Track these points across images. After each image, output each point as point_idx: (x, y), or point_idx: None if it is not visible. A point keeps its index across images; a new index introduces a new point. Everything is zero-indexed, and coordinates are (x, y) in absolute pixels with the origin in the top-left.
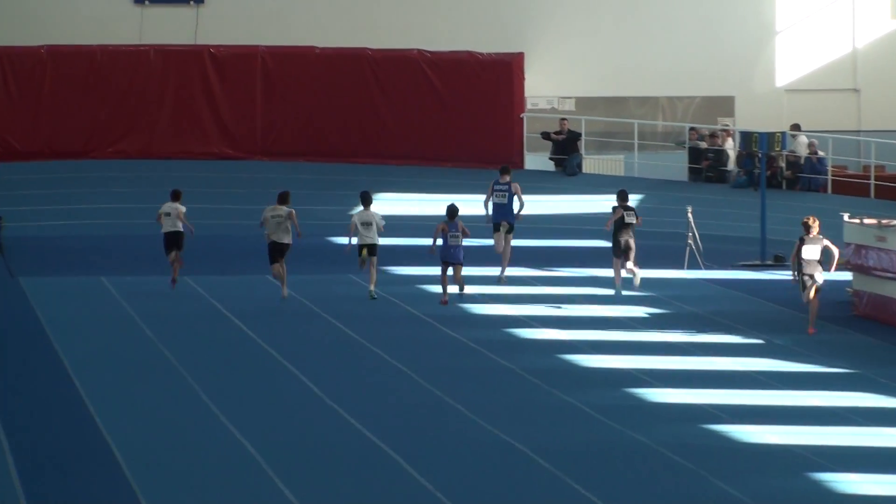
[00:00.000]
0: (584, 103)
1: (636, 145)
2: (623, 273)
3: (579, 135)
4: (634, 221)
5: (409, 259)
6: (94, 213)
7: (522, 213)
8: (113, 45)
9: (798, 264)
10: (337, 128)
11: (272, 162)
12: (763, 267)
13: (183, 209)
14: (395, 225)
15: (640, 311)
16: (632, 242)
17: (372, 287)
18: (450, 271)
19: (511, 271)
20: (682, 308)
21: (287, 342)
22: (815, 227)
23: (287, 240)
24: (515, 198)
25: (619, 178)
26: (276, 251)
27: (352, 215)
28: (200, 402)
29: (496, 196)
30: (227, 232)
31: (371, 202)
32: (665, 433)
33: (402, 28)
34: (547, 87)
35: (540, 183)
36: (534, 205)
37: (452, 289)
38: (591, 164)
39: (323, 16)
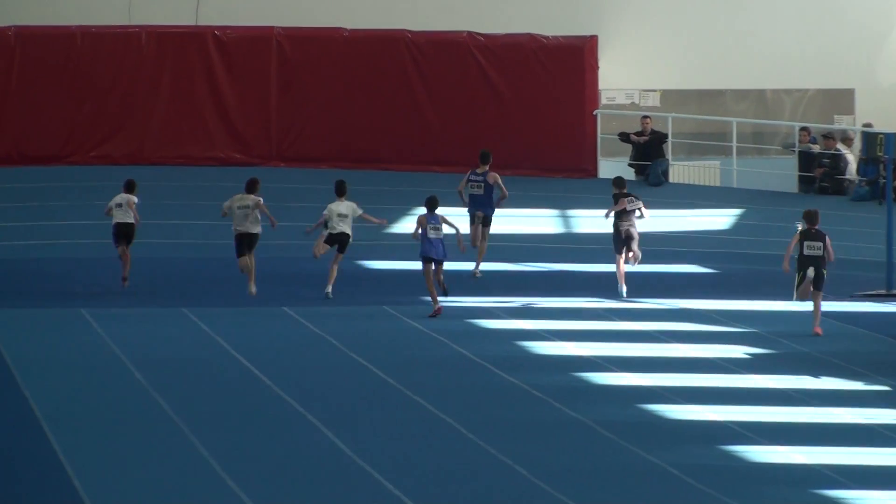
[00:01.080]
0: (672, 98)
1: (734, 148)
2: (627, 267)
3: (665, 136)
4: (638, 212)
5: (457, 288)
6: (73, 231)
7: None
8: (96, 27)
9: (801, 258)
10: (369, 127)
11: (290, 168)
12: (890, 297)
13: (135, 200)
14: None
15: (738, 352)
16: (634, 232)
17: (329, 288)
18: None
19: (582, 303)
20: (790, 347)
21: (308, 389)
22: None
23: (255, 230)
24: (495, 188)
25: (714, 189)
26: (244, 243)
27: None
28: (202, 461)
29: (471, 187)
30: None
31: (346, 193)
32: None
33: (448, 6)
34: (626, 78)
35: None
36: (609, 221)
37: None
38: (680, 171)
39: None
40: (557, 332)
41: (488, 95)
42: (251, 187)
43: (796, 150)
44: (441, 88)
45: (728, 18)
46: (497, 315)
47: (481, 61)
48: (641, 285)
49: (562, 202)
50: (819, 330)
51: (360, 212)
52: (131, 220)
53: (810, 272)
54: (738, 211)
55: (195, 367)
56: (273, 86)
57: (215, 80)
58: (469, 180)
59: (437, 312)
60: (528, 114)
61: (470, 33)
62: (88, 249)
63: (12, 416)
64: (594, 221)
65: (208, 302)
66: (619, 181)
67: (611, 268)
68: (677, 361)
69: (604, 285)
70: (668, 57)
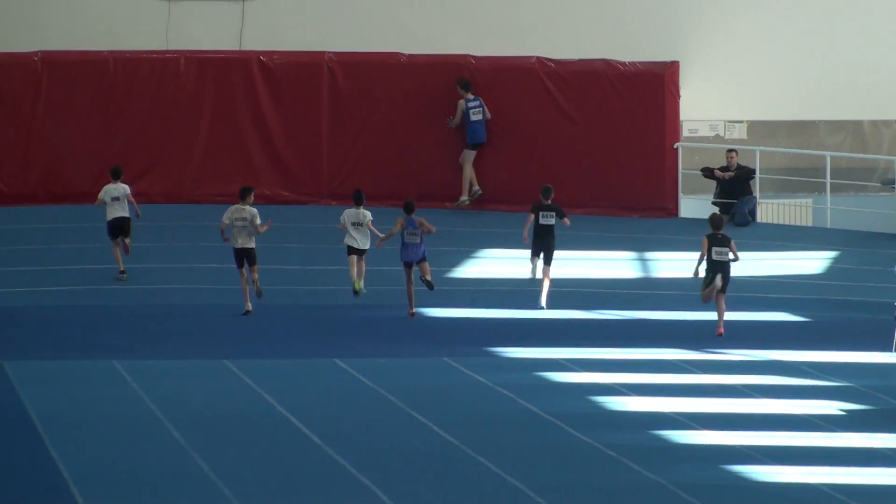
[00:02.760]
0: (760, 129)
1: (828, 185)
2: (539, 273)
3: (753, 171)
4: (553, 223)
5: (522, 338)
6: (105, 277)
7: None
8: (131, 52)
9: (710, 262)
10: (429, 161)
11: (343, 207)
12: None
13: (129, 190)
14: (503, 293)
15: (832, 408)
16: (552, 244)
17: (361, 282)
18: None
19: (661, 354)
20: (889, 403)
21: (362, 449)
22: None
23: (251, 244)
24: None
25: (806, 229)
26: (243, 259)
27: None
28: None
29: (408, 236)
30: (282, 300)
31: (363, 202)
32: None
33: (515, 29)
34: (710, 108)
35: (699, 235)
36: (691, 265)
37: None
38: (769, 210)
39: (409, 14)
40: (634, 386)
41: (560, 127)
42: (244, 195)
43: None
44: (507, 119)
45: (821, 44)
46: (567, 367)
47: (552, 89)
48: (725, 335)
49: (639, 244)
50: (722, 331)
51: (370, 219)
52: (128, 214)
53: (718, 280)
54: (832, 253)
55: (238, 424)
56: (324, 116)
57: (261, 110)
58: (406, 230)
59: (411, 316)
60: (603, 147)
61: (539, 59)
62: (120, 296)
63: (38, 477)
64: (675, 265)
65: (253, 353)
66: (545, 190)
67: (692, 315)
68: (765, 418)
69: (684, 335)
70: (756, 85)
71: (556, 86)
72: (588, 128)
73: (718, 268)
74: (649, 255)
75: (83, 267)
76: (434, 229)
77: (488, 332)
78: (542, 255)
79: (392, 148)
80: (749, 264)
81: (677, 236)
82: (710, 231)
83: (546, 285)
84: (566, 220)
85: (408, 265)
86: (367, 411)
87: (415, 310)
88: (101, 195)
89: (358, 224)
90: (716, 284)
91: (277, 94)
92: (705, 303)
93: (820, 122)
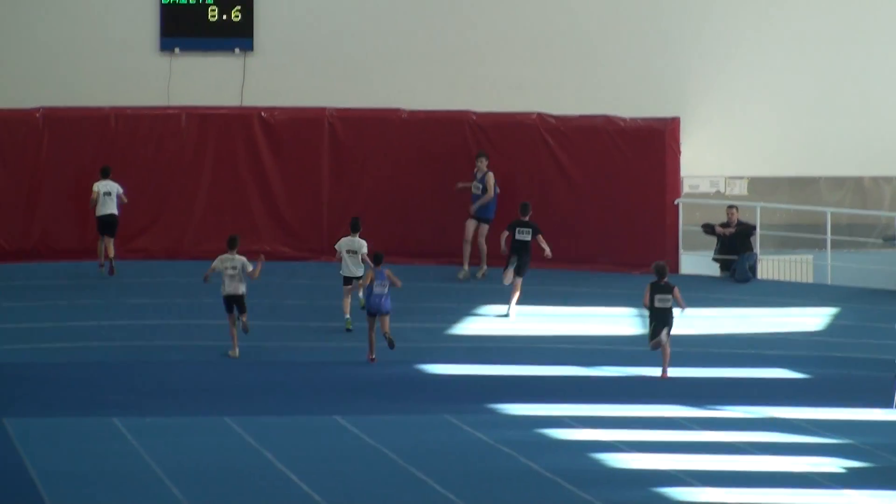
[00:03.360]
0: (761, 186)
1: (829, 241)
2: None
3: (753, 227)
4: (528, 239)
5: (522, 394)
6: (105, 333)
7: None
8: (132, 108)
9: (654, 311)
10: (430, 217)
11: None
12: None
13: (122, 189)
14: (503, 349)
15: (832, 465)
16: (526, 258)
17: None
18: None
19: (661, 411)
20: (889, 461)
21: None
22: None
23: (242, 290)
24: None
25: (807, 286)
26: (233, 305)
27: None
28: None
29: (376, 286)
30: (283, 357)
31: (359, 230)
32: None
33: (516, 85)
34: (710, 164)
35: (700, 291)
36: (692, 321)
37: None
38: (770, 266)
39: (410, 69)
40: (634, 443)
41: (560, 182)
42: (233, 244)
43: None
44: (509, 175)
45: (822, 100)
46: (568, 424)
47: (552, 145)
48: (725, 392)
49: (640, 300)
50: (666, 375)
51: (364, 251)
52: (116, 212)
53: (663, 335)
54: (832, 310)
55: (238, 481)
56: (325, 172)
57: (262, 166)
58: (375, 280)
59: (371, 360)
60: (604, 203)
61: (540, 115)
62: (120, 353)
63: None
64: (675, 322)
65: (253, 410)
66: (523, 207)
67: (692, 372)
68: (765, 475)
69: (685, 392)
70: (757, 141)
71: (556, 142)
72: (588, 183)
73: (662, 315)
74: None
75: (83, 324)
76: (400, 284)
77: (489, 388)
78: (514, 266)
79: (393, 204)
80: (749, 321)
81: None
82: (653, 279)
83: (515, 296)
84: (546, 250)
85: (371, 315)
86: (368, 468)
87: (374, 356)
88: (94, 196)
89: (353, 252)
90: (661, 339)
91: (278, 149)
92: (653, 350)
93: (821, 178)
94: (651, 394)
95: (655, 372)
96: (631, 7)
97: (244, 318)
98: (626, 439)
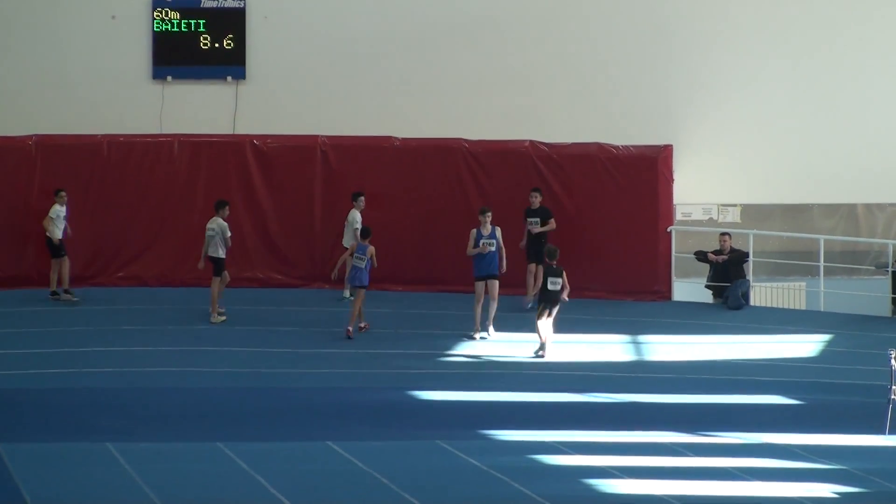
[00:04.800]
0: (753, 213)
1: (822, 268)
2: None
3: (746, 254)
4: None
5: (515, 420)
6: (98, 359)
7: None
8: (124, 136)
9: (544, 292)
10: (423, 245)
11: (336, 291)
12: None
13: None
14: (496, 375)
15: (826, 490)
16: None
17: (350, 327)
18: None
19: (654, 437)
20: (883, 486)
21: None
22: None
23: (220, 254)
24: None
25: (800, 312)
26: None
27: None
28: None
29: (355, 259)
30: (275, 383)
31: (369, 236)
32: None
33: (508, 113)
34: (703, 192)
35: (693, 318)
36: (684, 348)
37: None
38: (763, 293)
39: (402, 97)
40: (627, 469)
41: (553, 210)
42: (218, 207)
43: (889, 269)
44: (501, 202)
45: (815, 128)
46: (561, 450)
47: (545, 173)
48: (719, 417)
49: (633, 327)
50: (544, 353)
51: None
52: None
53: (552, 314)
54: (825, 336)
55: None
56: (317, 199)
57: (254, 194)
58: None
59: (347, 334)
60: (596, 230)
61: (532, 142)
62: (114, 379)
63: None
64: (668, 348)
65: (246, 436)
66: (483, 210)
67: (686, 398)
68: (759, 501)
69: (678, 417)
70: (750, 169)
71: (549, 169)
72: (580, 211)
73: (552, 296)
74: (642, 338)
75: (77, 349)
76: (376, 265)
77: (482, 414)
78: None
79: (385, 231)
80: (742, 347)
81: (670, 319)
82: (545, 262)
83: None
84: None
85: (353, 288)
86: (361, 494)
87: (351, 329)
88: (52, 217)
89: (360, 257)
90: (551, 311)
91: (271, 177)
92: (540, 327)
93: (814, 205)
94: (644, 420)
95: (650, 398)
96: (624, 35)
97: (214, 282)
98: (619, 465)
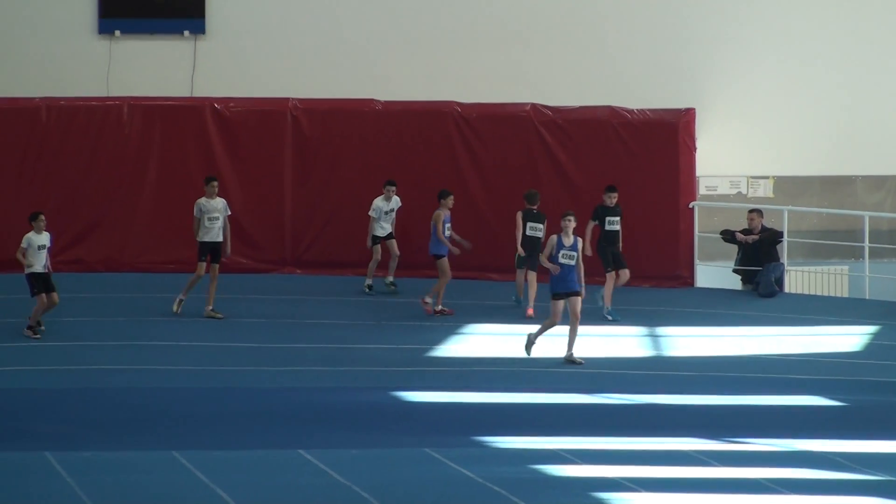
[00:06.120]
0: (788, 186)
1: (866, 249)
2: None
3: (780, 234)
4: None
5: (516, 425)
6: (35, 356)
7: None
8: (66, 99)
9: (525, 239)
10: (408, 224)
11: (309, 276)
12: None
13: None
14: (492, 374)
15: None
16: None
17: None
18: None
19: (674, 444)
20: None
21: None
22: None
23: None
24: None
25: (841, 301)
26: (209, 255)
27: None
28: None
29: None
30: (239, 382)
31: (395, 186)
32: None
33: (507, 73)
34: (730, 163)
35: (719, 307)
36: (709, 341)
37: None
38: (799, 278)
39: (386, 55)
40: (644, 481)
41: (556, 183)
42: (209, 184)
43: None
44: (497, 175)
45: (858, 89)
46: (567, 459)
47: (548, 140)
48: (749, 422)
49: (650, 318)
50: (531, 312)
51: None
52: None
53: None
54: (871, 328)
55: None
56: (287, 172)
57: (215, 165)
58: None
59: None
60: None
61: (535, 106)
62: (54, 378)
63: None
64: (691, 342)
65: (205, 443)
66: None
67: (710, 400)
68: None
69: (702, 422)
70: (784, 136)
71: (552, 137)
72: (589, 184)
73: (533, 244)
74: (661, 330)
75: (9, 345)
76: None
77: (477, 418)
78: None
79: (366, 209)
80: (775, 341)
81: (693, 309)
82: (525, 207)
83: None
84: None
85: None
86: None
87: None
88: (26, 247)
89: (390, 211)
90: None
91: (234, 146)
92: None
93: (857, 177)
94: (663, 424)
95: (669, 399)
96: None
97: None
98: (634, 476)
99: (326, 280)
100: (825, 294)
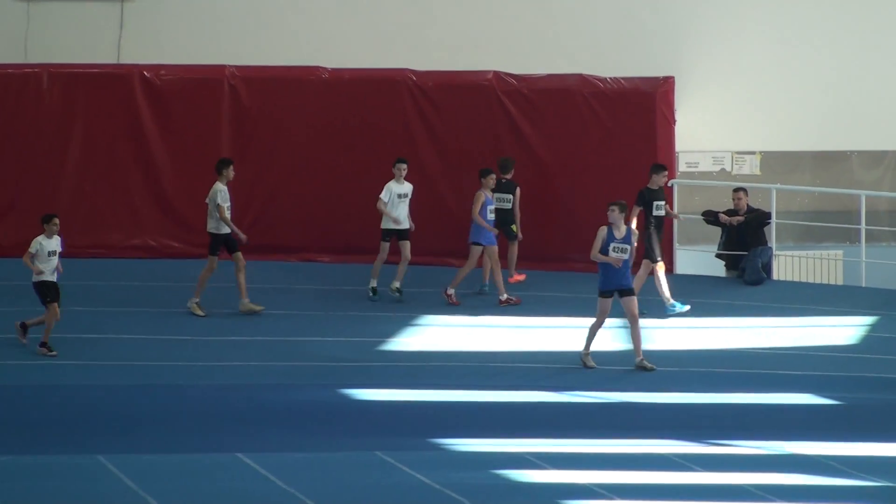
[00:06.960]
0: (777, 163)
1: (863, 232)
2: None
3: (768, 216)
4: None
5: (477, 426)
6: None
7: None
8: None
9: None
10: (359, 206)
11: (249, 262)
12: None
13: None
14: (450, 369)
15: None
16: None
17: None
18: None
19: (649, 446)
20: None
21: None
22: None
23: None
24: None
25: (835, 288)
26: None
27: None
28: None
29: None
30: (171, 379)
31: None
32: None
33: (467, 37)
34: (713, 137)
35: (702, 295)
36: (690, 333)
37: None
38: (788, 264)
39: (332, 18)
40: (617, 488)
41: (521, 159)
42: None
43: None
44: (456, 150)
45: (853, 57)
46: (534, 463)
47: (512, 112)
48: (733, 422)
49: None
50: (516, 278)
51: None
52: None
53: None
54: (867, 319)
55: None
56: (224, 146)
57: (144, 140)
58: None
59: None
60: (577, 185)
61: (497, 74)
62: None
63: None
64: (670, 333)
65: (134, 446)
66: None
67: (691, 398)
68: None
69: (682, 422)
70: (772, 107)
71: (517, 107)
72: (557, 160)
73: (501, 217)
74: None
75: None
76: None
77: (434, 418)
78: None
79: (312, 188)
80: (763, 333)
81: (674, 297)
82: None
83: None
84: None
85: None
86: None
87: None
88: (35, 251)
89: (403, 195)
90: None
91: (165, 118)
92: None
93: (853, 153)
94: (640, 425)
95: (646, 398)
96: None
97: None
98: (607, 482)
99: (267, 266)
100: (817, 281)
